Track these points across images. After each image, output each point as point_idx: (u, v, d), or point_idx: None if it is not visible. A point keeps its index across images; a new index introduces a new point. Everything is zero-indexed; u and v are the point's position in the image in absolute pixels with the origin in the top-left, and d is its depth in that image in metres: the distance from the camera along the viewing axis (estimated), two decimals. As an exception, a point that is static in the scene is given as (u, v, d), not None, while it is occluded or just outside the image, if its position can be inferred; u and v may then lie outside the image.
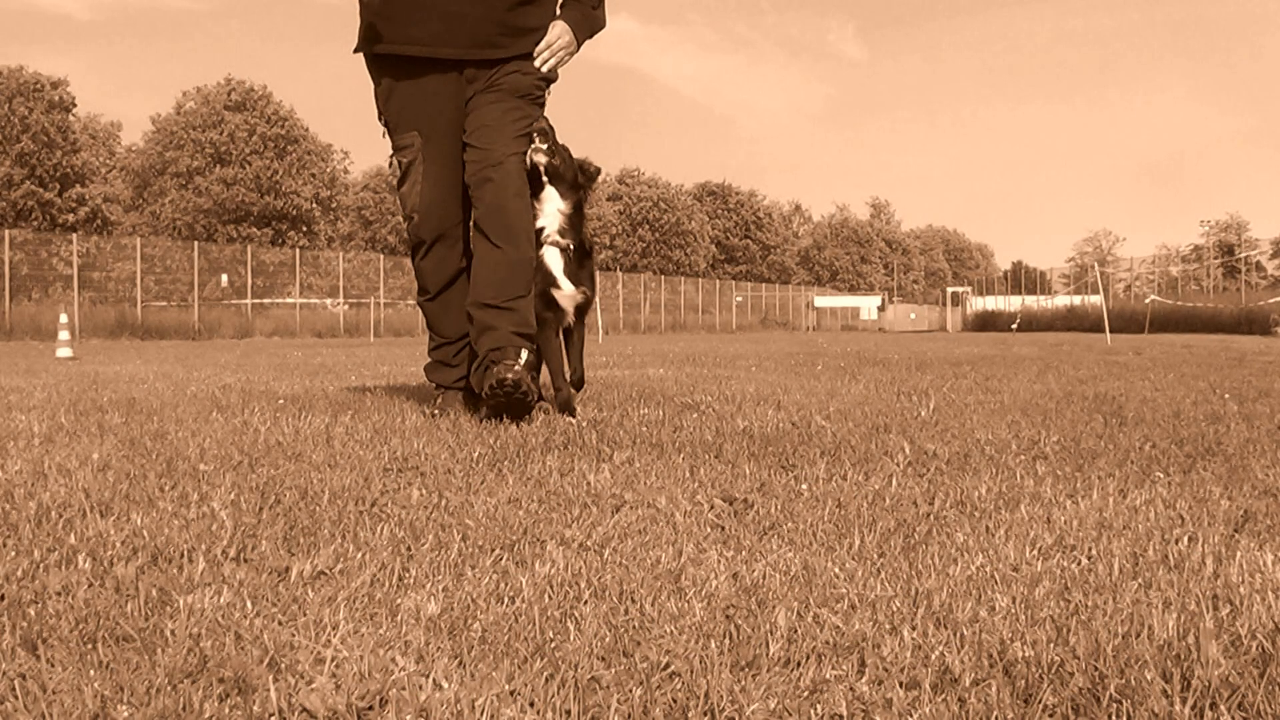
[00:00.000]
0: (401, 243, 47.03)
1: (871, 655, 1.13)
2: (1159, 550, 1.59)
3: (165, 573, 1.46)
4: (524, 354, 3.40)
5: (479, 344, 3.48)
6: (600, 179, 3.79)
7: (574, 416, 3.43)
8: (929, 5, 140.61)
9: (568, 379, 3.68)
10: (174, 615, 1.26)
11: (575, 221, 3.65)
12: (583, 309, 3.72)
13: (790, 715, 1.00)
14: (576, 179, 3.67)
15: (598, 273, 3.93)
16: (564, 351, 3.71)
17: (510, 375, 3.23)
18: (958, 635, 1.19)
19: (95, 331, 25.18)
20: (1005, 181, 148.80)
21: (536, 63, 3.63)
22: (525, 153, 3.58)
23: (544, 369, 3.72)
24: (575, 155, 3.73)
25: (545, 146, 3.61)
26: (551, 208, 3.64)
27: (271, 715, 0.99)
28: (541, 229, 3.63)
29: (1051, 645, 1.16)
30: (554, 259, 3.62)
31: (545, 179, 3.63)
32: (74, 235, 30.54)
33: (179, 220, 42.93)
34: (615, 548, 1.62)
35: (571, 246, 3.63)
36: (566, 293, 3.63)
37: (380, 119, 3.69)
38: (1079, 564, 1.53)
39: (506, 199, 3.52)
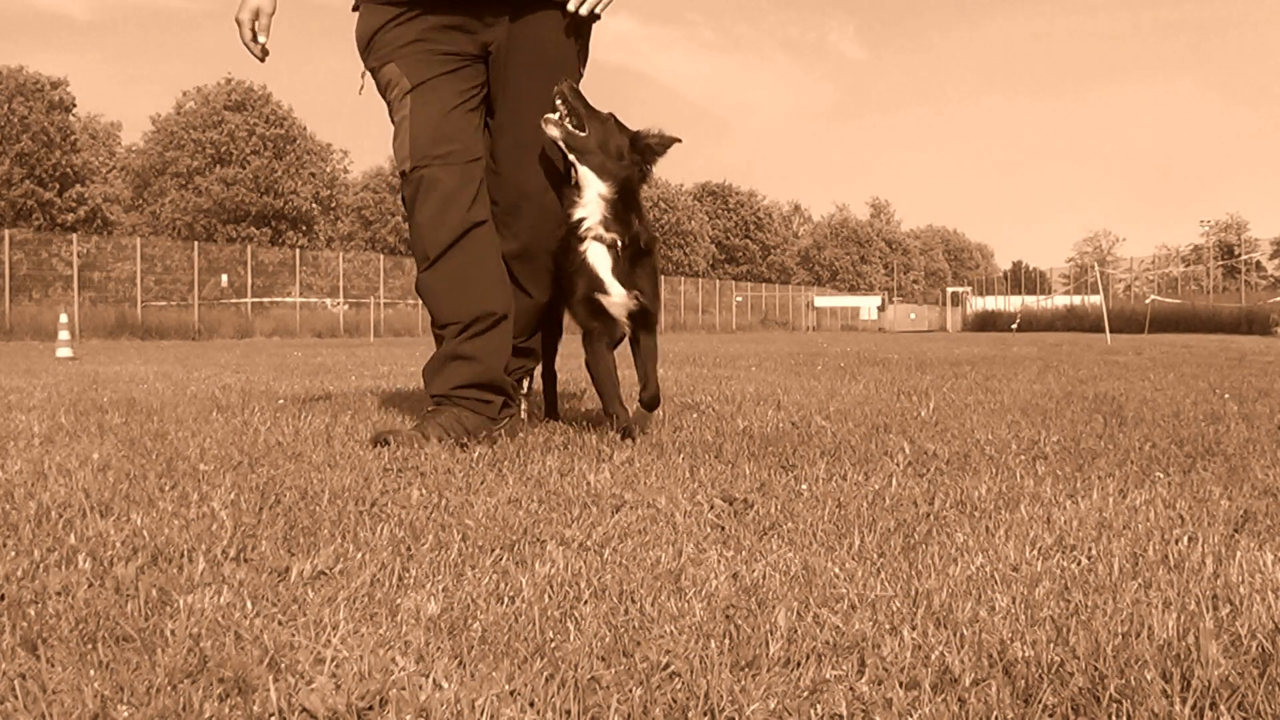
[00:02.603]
0: (402, 242, 47.01)
1: (871, 655, 1.13)
2: (1159, 550, 1.59)
3: (165, 573, 1.46)
4: (526, 384, 3.24)
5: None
6: (664, 154, 2.94)
7: (633, 440, 2.84)
8: (929, 5, 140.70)
9: (642, 392, 3.02)
10: (174, 615, 1.26)
11: (622, 210, 2.88)
12: (641, 316, 2.96)
13: (790, 715, 1.00)
14: (621, 154, 2.88)
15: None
16: (635, 362, 3.06)
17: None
18: (958, 635, 1.19)
19: (95, 331, 25.17)
20: (1005, 181, 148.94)
21: (571, 5, 2.94)
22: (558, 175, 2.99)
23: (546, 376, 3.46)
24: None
25: (557, 116, 2.88)
26: (591, 194, 2.88)
27: (271, 715, 0.99)
28: (580, 221, 2.90)
29: (1051, 645, 1.16)
30: (599, 257, 2.89)
31: (571, 157, 2.90)
32: (74, 235, 30.57)
33: (179, 220, 42.97)
34: (615, 548, 1.62)
35: (620, 242, 2.88)
36: (616, 299, 2.91)
37: (362, 71, 3.04)
38: (1079, 564, 1.53)
39: (545, 243, 3.00)
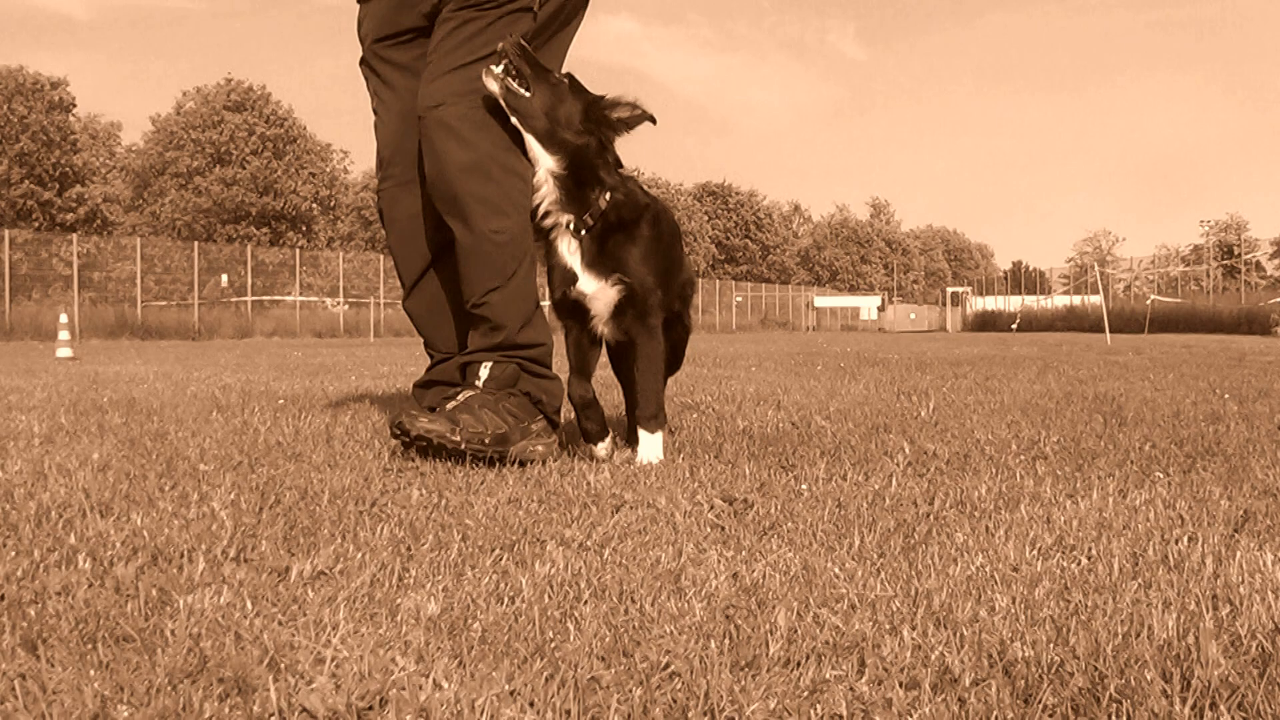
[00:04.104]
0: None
1: (871, 655, 1.13)
2: (1159, 550, 1.59)
3: (165, 573, 1.46)
4: (485, 369, 2.58)
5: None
6: (625, 131, 2.51)
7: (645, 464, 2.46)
8: (929, 6, 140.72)
9: (636, 411, 2.61)
10: (174, 615, 1.26)
11: (575, 187, 2.46)
12: (628, 305, 2.51)
13: (790, 715, 1.00)
14: (573, 122, 2.45)
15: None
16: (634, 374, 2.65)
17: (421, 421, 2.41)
18: (958, 635, 1.19)
19: (95, 331, 25.18)
20: (1005, 181, 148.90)
21: None
22: (476, 91, 2.54)
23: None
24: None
25: (500, 69, 2.47)
26: (541, 171, 2.49)
27: (271, 715, 0.99)
28: (536, 208, 2.52)
29: (1051, 645, 1.16)
30: (566, 246, 2.51)
31: (514, 121, 2.50)
32: (74, 235, 30.60)
33: (179, 220, 43.00)
34: (615, 548, 1.62)
35: (580, 224, 2.47)
36: (590, 292, 2.50)
37: None
38: (1079, 564, 1.53)
39: (443, 165, 2.57)
